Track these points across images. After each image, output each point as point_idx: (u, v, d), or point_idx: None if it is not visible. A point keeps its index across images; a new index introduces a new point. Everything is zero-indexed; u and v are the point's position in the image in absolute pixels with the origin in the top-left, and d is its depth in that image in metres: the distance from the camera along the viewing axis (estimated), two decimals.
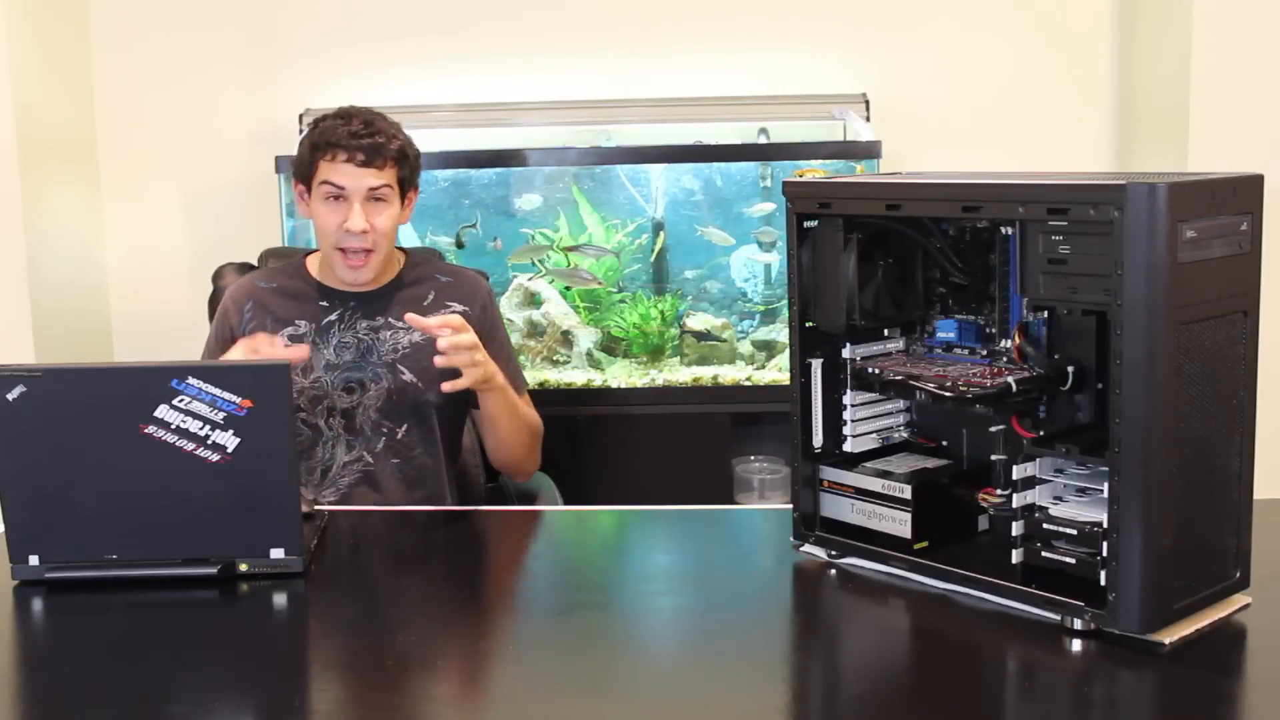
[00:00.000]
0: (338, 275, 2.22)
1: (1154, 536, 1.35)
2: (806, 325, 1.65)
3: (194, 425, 1.59)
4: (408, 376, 2.18)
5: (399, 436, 2.18)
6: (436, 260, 2.40)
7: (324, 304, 2.23)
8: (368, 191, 2.14)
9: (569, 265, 3.07)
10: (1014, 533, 1.51)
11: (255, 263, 2.55)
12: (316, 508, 1.90)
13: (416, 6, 3.24)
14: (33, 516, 1.62)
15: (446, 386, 2.02)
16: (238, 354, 2.05)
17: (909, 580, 1.57)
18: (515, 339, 3.09)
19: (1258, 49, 2.89)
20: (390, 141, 2.16)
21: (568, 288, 3.09)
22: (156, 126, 3.28)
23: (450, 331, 1.98)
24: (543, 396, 2.91)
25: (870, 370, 1.63)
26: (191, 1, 3.25)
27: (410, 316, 2.04)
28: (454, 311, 2.22)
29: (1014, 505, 1.52)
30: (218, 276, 2.52)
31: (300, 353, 2.06)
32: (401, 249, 2.33)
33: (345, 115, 2.18)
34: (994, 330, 1.61)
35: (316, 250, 2.31)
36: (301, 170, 2.20)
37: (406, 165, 2.19)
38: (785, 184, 1.65)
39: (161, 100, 3.28)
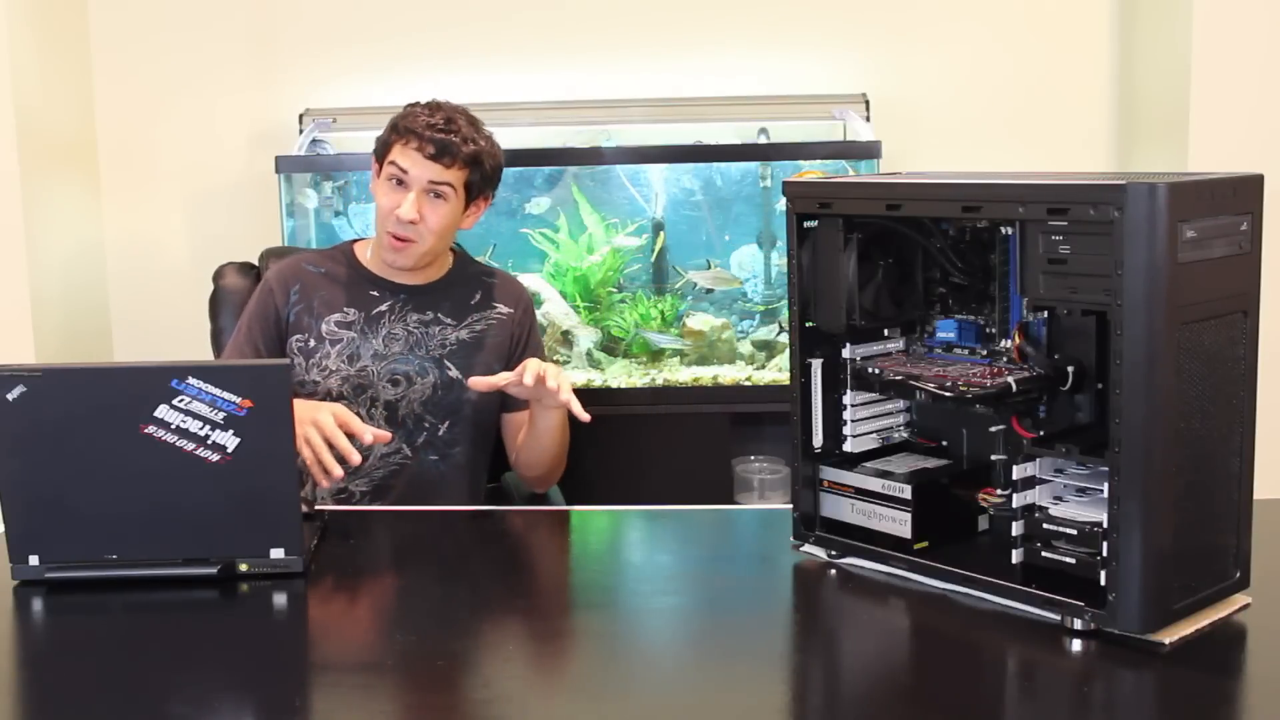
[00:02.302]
0: (382, 256, 2.22)
1: (1154, 536, 1.35)
2: (806, 325, 1.65)
3: (194, 425, 1.59)
4: (454, 373, 2.19)
5: (440, 433, 2.20)
6: (480, 261, 2.41)
7: (374, 293, 2.24)
8: (427, 184, 2.15)
9: (709, 268, 3.10)
10: (1014, 533, 1.51)
11: (256, 263, 2.55)
12: (321, 508, 1.90)
13: (416, 6, 3.24)
14: (33, 516, 1.61)
15: (569, 403, 1.99)
16: (326, 414, 1.95)
17: (909, 580, 1.57)
18: None
19: (1258, 49, 2.89)
20: (465, 144, 2.16)
21: (709, 290, 3.11)
22: (156, 127, 3.28)
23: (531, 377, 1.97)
24: None
25: (870, 370, 1.63)
26: (191, 2, 3.25)
27: (474, 381, 2.03)
28: (499, 313, 2.25)
29: (1014, 505, 1.52)
30: (219, 276, 2.52)
31: (385, 436, 1.97)
32: (452, 248, 2.33)
33: (433, 107, 2.21)
34: (994, 330, 1.61)
35: (363, 240, 2.32)
36: (379, 150, 2.22)
37: (477, 171, 2.19)
38: (785, 184, 1.65)
39: (161, 100, 3.28)
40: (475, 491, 2.28)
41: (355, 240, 2.34)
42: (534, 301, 2.40)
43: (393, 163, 2.16)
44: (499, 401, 2.26)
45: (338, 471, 1.92)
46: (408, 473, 2.19)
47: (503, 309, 2.27)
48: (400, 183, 2.16)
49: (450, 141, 2.15)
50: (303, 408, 1.95)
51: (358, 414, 2.14)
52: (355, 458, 1.91)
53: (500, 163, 2.25)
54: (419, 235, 2.17)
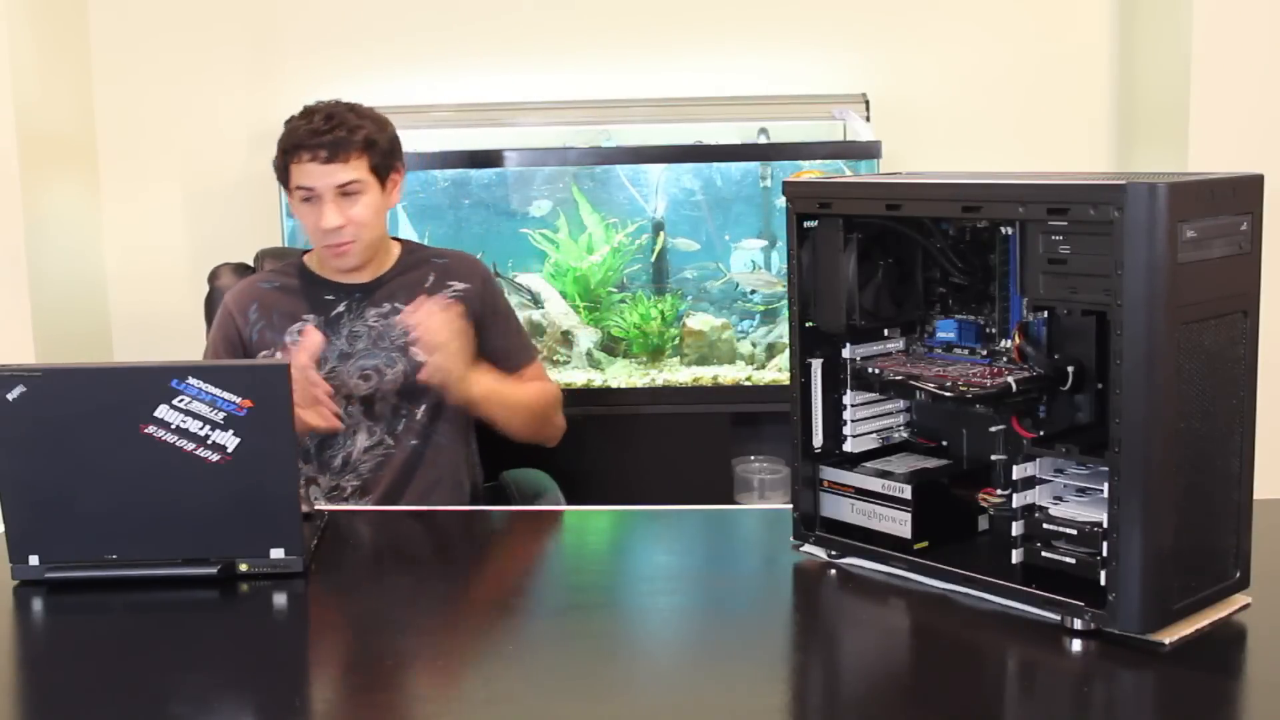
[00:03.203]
0: (329, 268, 2.25)
1: (1154, 536, 1.35)
2: (806, 325, 1.65)
3: (194, 425, 1.59)
4: (422, 358, 2.20)
5: (418, 417, 2.21)
6: (430, 246, 2.42)
7: (329, 297, 2.25)
8: (335, 188, 2.15)
9: (754, 270, 3.11)
10: (1014, 533, 1.51)
11: (251, 263, 2.56)
12: (326, 506, 1.90)
13: (416, 6, 3.24)
14: (33, 516, 1.61)
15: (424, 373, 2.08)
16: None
17: (909, 580, 1.57)
18: None
19: (1258, 49, 2.89)
20: (354, 133, 2.15)
21: (752, 291, 3.13)
22: (156, 126, 3.28)
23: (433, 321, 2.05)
24: None
25: (870, 370, 1.63)
26: (191, 1, 3.25)
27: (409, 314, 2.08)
28: (456, 291, 2.26)
29: (1014, 505, 1.52)
30: (214, 277, 2.53)
31: (315, 338, 2.09)
32: (397, 239, 2.35)
33: (308, 113, 2.19)
34: (994, 330, 1.61)
35: (313, 250, 2.33)
36: (280, 176, 2.23)
37: (377, 152, 2.18)
38: (785, 184, 1.65)
39: (161, 100, 3.28)
40: (464, 468, 2.28)
41: (305, 251, 2.36)
42: (493, 273, 2.39)
43: (298, 186, 2.17)
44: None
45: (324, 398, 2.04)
46: (394, 461, 2.20)
47: (459, 285, 2.28)
48: (311, 200, 2.17)
49: (339, 138, 2.14)
50: None
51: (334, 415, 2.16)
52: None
53: (393, 133, 2.25)
54: (353, 234, 2.19)
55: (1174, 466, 1.35)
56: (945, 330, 1.65)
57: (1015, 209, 1.45)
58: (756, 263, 3.14)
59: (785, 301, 3.08)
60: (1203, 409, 1.37)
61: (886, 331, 1.70)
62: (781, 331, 3.09)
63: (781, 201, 1.65)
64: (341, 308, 2.25)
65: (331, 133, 2.14)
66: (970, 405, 1.50)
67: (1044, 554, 1.48)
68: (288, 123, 2.20)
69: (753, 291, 3.13)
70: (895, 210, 1.56)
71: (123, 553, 1.63)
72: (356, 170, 2.16)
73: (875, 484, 1.63)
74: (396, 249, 2.32)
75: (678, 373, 3.04)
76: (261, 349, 2.24)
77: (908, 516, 1.60)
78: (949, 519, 1.63)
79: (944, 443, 1.72)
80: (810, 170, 2.97)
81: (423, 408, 2.22)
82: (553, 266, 3.15)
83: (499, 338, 2.28)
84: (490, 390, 2.19)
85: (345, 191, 2.16)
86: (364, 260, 2.23)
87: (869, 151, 2.94)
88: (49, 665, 1.48)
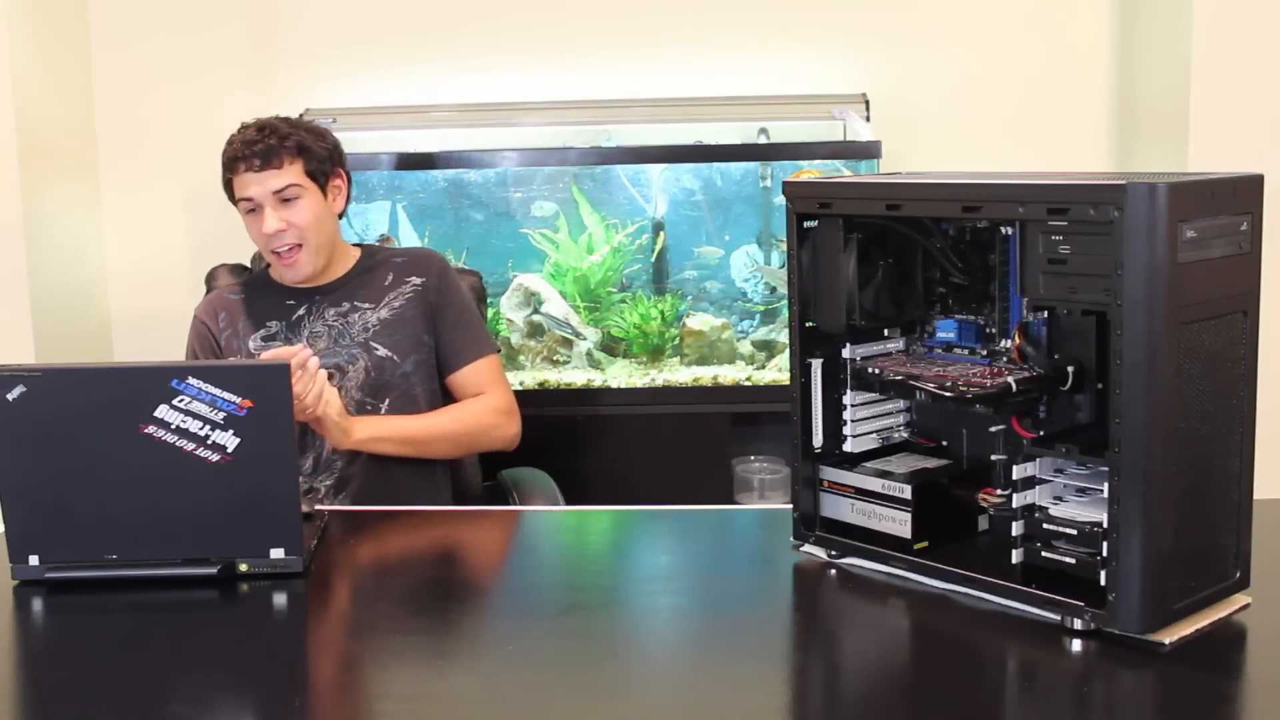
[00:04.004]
0: (282, 280, 2.28)
1: (1154, 536, 1.35)
2: (806, 325, 1.65)
3: (194, 425, 1.59)
4: (383, 352, 2.22)
5: (384, 411, 2.22)
6: (390, 247, 2.44)
7: (290, 302, 2.29)
8: (273, 194, 2.18)
9: (782, 266, 3.13)
10: (1014, 533, 1.51)
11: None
12: (318, 506, 1.90)
13: (416, 6, 3.24)
14: (33, 516, 1.61)
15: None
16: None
17: (909, 580, 1.57)
18: (515, 339, 3.09)
19: (1258, 49, 2.89)
20: (285, 140, 2.19)
21: (773, 289, 3.17)
22: (156, 126, 3.28)
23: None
24: (543, 396, 2.92)
25: (870, 370, 1.63)
26: (191, 1, 3.25)
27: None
28: (413, 285, 2.29)
29: (1014, 505, 1.52)
30: (210, 278, 2.53)
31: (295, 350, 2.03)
32: (358, 245, 2.37)
33: (244, 127, 2.24)
34: (994, 330, 1.61)
35: None
36: (228, 194, 2.26)
37: (311, 158, 2.22)
38: (785, 184, 1.65)
39: (161, 100, 3.28)
40: (435, 461, 2.28)
41: (269, 264, 2.37)
42: (449, 264, 2.38)
43: (240, 198, 2.21)
44: (434, 365, 2.28)
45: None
46: (364, 458, 2.20)
47: (415, 280, 2.30)
48: (254, 210, 2.21)
49: (270, 145, 2.18)
50: None
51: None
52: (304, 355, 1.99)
53: (332, 141, 2.29)
54: (297, 238, 2.21)
55: (1174, 466, 1.35)
56: (945, 330, 1.65)
57: (1015, 209, 1.45)
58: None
59: (785, 301, 3.10)
60: (1203, 409, 1.37)
61: (886, 331, 1.70)
62: (783, 331, 3.09)
63: (781, 201, 1.65)
64: (302, 311, 2.28)
65: (263, 141, 2.18)
66: (970, 405, 1.50)
67: (1044, 554, 1.48)
68: (229, 138, 2.23)
69: (773, 289, 3.14)
70: (895, 210, 1.56)
71: (123, 553, 1.63)
72: (291, 175, 2.19)
73: (875, 484, 1.63)
74: (355, 254, 2.35)
75: (678, 373, 3.04)
76: (228, 355, 2.26)
77: (908, 516, 1.60)
78: (949, 519, 1.63)
79: (944, 443, 1.72)
80: (810, 170, 2.97)
81: (386, 401, 2.22)
82: (553, 266, 3.15)
83: (448, 331, 2.29)
84: (374, 435, 2.14)
85: (284, 197, 2.19)
86: (315, 268, 2.26)
87: (869, 151, 2.94)
88: (49, 665, 1.48)
